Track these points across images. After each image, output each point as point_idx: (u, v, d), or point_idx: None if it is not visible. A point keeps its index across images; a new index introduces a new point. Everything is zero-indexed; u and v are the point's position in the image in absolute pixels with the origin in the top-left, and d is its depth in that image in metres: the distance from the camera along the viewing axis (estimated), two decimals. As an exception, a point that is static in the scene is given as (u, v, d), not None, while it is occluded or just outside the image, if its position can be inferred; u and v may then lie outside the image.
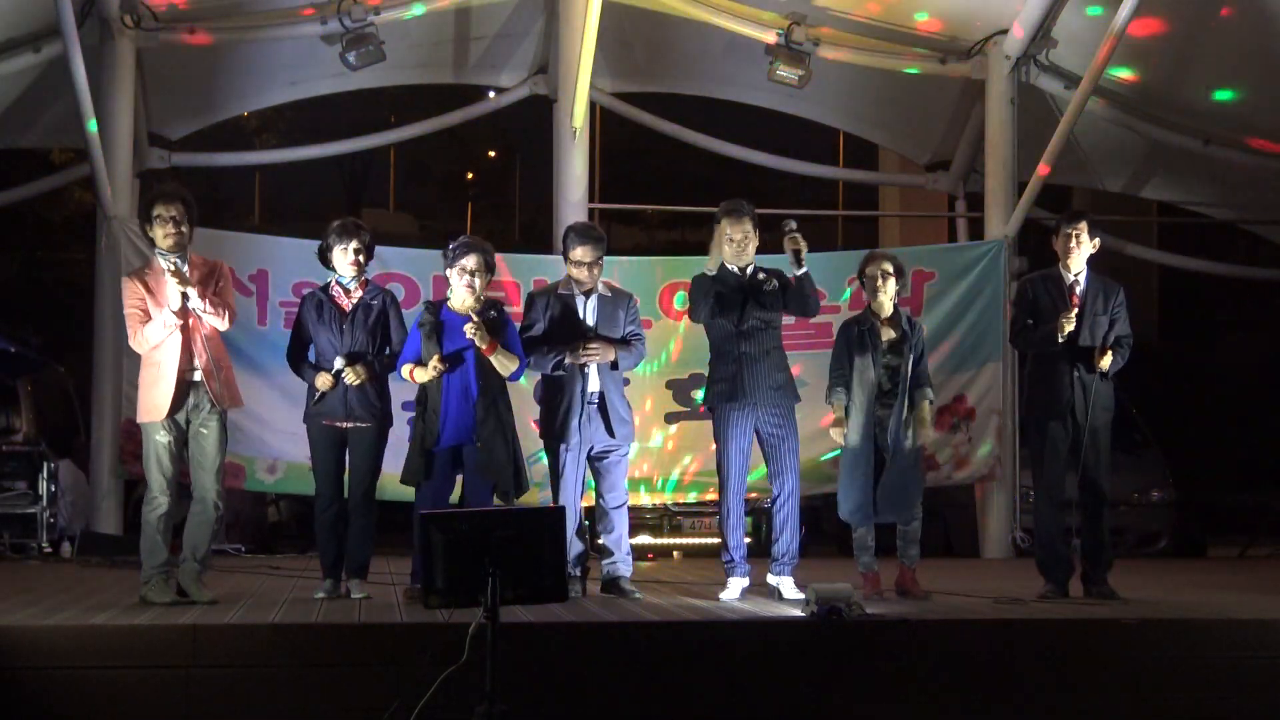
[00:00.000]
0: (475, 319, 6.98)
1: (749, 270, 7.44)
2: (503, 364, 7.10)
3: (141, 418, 6.83)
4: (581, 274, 7.43)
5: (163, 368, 6.74)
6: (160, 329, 6.71)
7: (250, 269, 10.45)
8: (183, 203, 6.81)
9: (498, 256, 10.23)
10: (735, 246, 7.39)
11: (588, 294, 7.46)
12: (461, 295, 7.13)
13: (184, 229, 6.79)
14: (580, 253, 7.41)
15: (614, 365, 7.43)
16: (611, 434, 7.39)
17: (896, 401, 7.47)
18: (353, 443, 7.23)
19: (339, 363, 7.11)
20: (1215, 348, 22.11)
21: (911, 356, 7.53)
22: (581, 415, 7.33)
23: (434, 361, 7.00)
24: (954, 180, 12.94)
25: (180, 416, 6.77)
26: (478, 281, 7.12)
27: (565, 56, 11.29)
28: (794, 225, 7.35)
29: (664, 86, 12.85)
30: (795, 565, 7.41)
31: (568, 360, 7.33)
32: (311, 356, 7.32)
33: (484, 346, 6.99)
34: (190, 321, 6.75)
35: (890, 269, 7.56)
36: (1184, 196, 13.52)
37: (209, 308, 6.75)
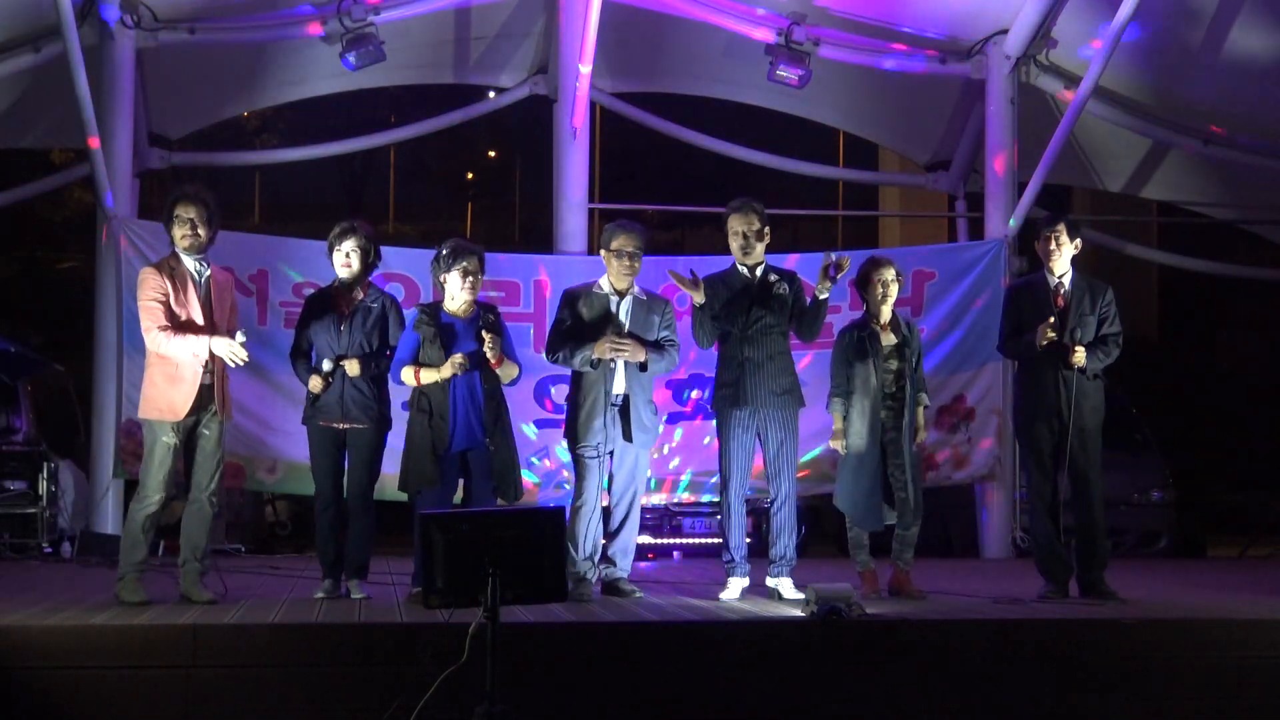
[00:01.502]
0: (488, 335, 6.95)
1: (759, 271, 7.40)
2: (506, 372, 7.10)
3: (150, 415, 6.78)
4: (621, 265, 7.30)
5: (182, 369, 6.72)
6: (184, 351, 6.69)
7: (250, 269, 10.45)
8: (204, 205, 6.82)
9: (497, 256, 10.26)
10: (740, 242, 7.37)
11: (622, 295, 7.38)
12: (464, 298, 7.10)
13: (201, 232, 6.80)
14: (622, 240, 7.31)
15: (643, 367, 7.32)
16: (629, 438, 7.30)
17: (904, 405, 7.47)
18: (351, 444, 7.22)
19: (326, 365, 7.10)
20: (1215, 348, 22.13)
21: (912, 361, 7.54)
22: (605, 415, 7.25)
23: (456, 360, 6.91)
24: (954, 180, 12.94)
25: (189, 419, 6.78)
26: (474, 283, 7.10)
27: (565, 56, 11.29)
28: (838, 257, 7.27)
29: (664, 86, 12.84)
30: (793, 567, 7.40)
31: (595, 355, 7.23)
32: (313, 357, 7.31)
33: (494, 359, 6.98)
34: (212, 325, 6.77)
35: (892, 276, 7.55)
36: (1184, 196, 13.53)
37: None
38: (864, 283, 7.64)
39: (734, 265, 7.46)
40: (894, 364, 7.51)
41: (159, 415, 6.74)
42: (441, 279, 7.17)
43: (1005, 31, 11.43)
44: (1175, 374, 19.35)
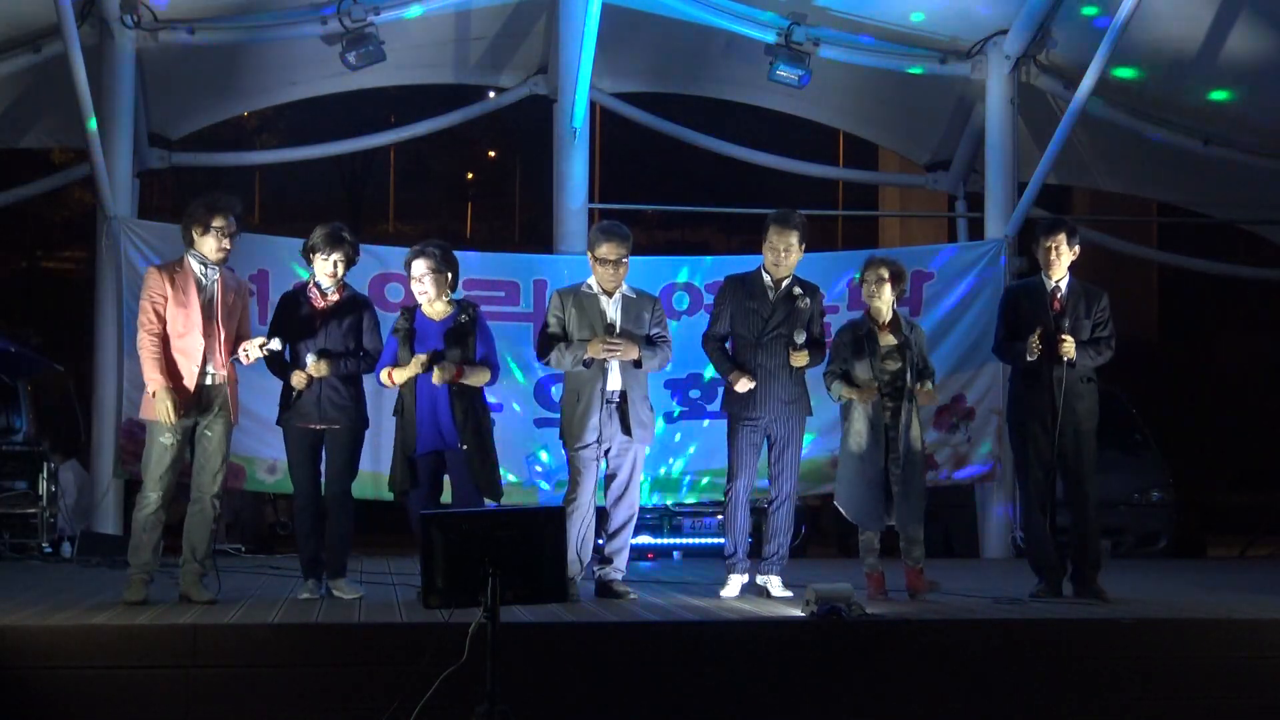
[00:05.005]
0: (441, 368, 6.94)
1: (784, 283, 7.44)
2: (475, 380, 7.08)
3: (148, 415, 6.80)
4: (606, 272, 7.28)
5: (179, 370, 6.74)
6: (146, 368, 6.73)
7: (250, 269, 10.44)
8: (237, 218, 6.90)
9: (497, 256, 10.26)
10: (775, 255, 7.41)
11: (610, 295, 7.35)
12: (419, 301, 7.13)
13: (229, 245, 6.86)
14: (605, 249, 7.27)
15: (637, 364, 7.29)
16: (628, 433, 7.28)
17: (902, 405, 7.44)
18: (328, 444, 7.19)
19: (310, 359, 7.09)
20: (1215, 348, 22.16)
21: (914, 361, 7.49)
22: (601, 414, 7.21)
23: (419, 358, 6.95)
24: (954, 180, 12.95)
25: (189, 420, 6.78)
26: (429, 285, 7.07)
27: (565, 56, 11.29)
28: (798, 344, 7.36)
29: (664, 86, 12.85)
30: (783, 566, 7.46)
31: (588, 355, 7.20)
32: (288, 356, 7.28)
33: (439, 380, 6.95)
34: (216, 329, 6.78)
35: (885, 274, 7.47)
36: (1184, 196, 13.53)
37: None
38: (860, 281, 7.66)
39: (760, 269, 7.50)
40: (893, 364, 7.49)
41: (155, 415, 6.75)
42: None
43: (1005, 31, 11.44)
44: (1175, 374, 19.38)
